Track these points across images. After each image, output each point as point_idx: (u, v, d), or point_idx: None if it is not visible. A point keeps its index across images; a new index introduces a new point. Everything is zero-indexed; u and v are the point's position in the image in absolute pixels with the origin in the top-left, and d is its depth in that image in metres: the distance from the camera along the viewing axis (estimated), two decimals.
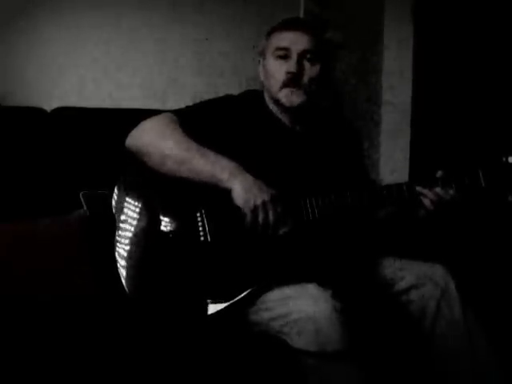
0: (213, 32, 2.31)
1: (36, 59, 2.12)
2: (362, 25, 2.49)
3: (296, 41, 1.61)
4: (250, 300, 1.49)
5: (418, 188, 1.56)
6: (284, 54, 1.61)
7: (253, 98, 1.70)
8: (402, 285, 1.63)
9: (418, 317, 1.61)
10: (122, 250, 1.52)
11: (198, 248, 1.52)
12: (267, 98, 1.70)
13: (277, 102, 1.65)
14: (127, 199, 1.55)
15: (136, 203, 1.54)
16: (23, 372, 1.37)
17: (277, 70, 1.62)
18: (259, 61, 1.71)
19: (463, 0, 2.58)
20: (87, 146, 1.94)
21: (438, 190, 1.55)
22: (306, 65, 1.62)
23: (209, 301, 1.48)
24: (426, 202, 1.55)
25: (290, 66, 1.60)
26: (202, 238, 1.52)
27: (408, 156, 2.55)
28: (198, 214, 1.53)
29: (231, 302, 1.47)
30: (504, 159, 1.57)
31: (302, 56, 1.61)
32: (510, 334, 2.00)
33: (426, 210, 1.56)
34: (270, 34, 1.67)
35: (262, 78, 1.69)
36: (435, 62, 2.58)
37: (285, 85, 1.62)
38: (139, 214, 1.53)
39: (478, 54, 2.59)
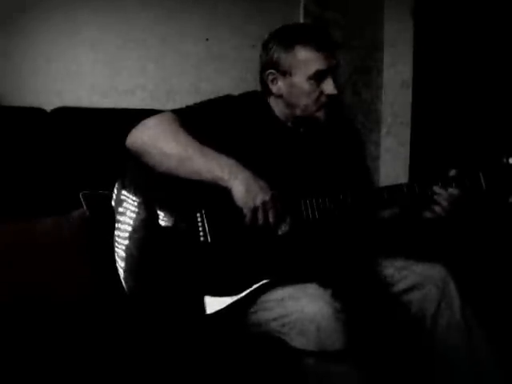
0: (213, 32, 2.31)
1: (36, 59, 2.12)
2: (362, 25, 2.49)
3: (332, 62, 1.60)
4: (250, 300, 1.49)
5: (435, 187, 1.56)
6: (321, 76, 1.60)
7: (254, 99, 1.70)
8: (402, 285, 1.63)
9: (418, 317, 1.61)
10: (120, 245, 1.52)
11: (198, 248, 1.52)
12: (277, 105, 1.67)
13: (303, 117, 1.64)
14: (126, 193, 1.56)
15: (134, 197, 1.55)
16: (22, 372, 1.37)
17: (313, 92, 1.60)
18: (271, 73, 1.63)
19: (463, 0, 2.58)
20: (87, 146, 1.94)
21: (452, 189, 1.56)
22: (335, 82, 1.61)
23: (209, 300, 1.48)
24: (442, 201, 1.55)
25: (331, 88, 1.59)
26: (202, 239, 1.52)
27: (408, 156, 2.55)
28: (198, 214, 1.53)
29: (231, 302, 1.47)
30: (504, 160, 1.57)
31: (334, 75, 1.61)
32: (510, 334, 2.00)
33: (442, 209, 1.56)
34: (291, 47, 1.60)
35: (286, 95, 1.63)
36: (435, 63, 2.58)
37: (325, 105, 1.62)
38: (137, 207, 1.54)
39: (478, 54, 2.59)
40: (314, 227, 1.55)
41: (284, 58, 1.61)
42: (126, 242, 1.53)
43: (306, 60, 1.59)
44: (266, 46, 1.66)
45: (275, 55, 1.62)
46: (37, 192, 1.86)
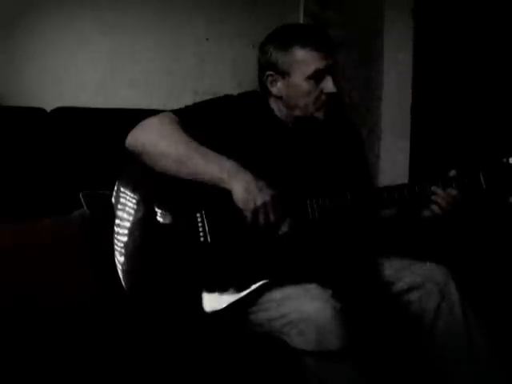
0: (213, 32, 2.31)
1: (36, 59, 2.12)
2: (361, 24, 2.49)
3: (330, 60, 1.59)
4: (250, 300, 1.49)
5: (434, 188, 1.56)
6: (320, 75, 1.59)
7: (254, 99, 1.70)
8: (402, 285, 1.63)
9: (417, 317, 1.61)
10: (119, 242, 1.52)
11: (198, 248, 1.52)
12: (277, 106, 1.67)
13: (303, 117, 1.64)
14: (124, 190, 1.56)
15: (133, 194, 1.55)
16: (23, 373, 1.37)
17: (313, 91, 1.60)
18: (270, 75, 1.64)
19: (463, 0, 2.58)
20: (87, 146, 1.95)
21: (452, 189, 1.55)
22: (335, 80, 1.61)
23: (209, 300, 1.48)
24: (442, 201, 1.55)
25: (330, 86, 1.59)
26: (202, 239, 1.52)
27: (408, 156, 2.55)
28: (198, 215, 1.53)
29: (231, 302, 1.47)
30: (505, 160, 1.57)
31: (333, 74, 1.61)
32: (510, 334, 2.00)
33: (440, 209, 1.56)
34: (289, 48, 1.60)
35: (285, 95, 1.63)
36: (435, 63, 2.58)
37: (325, 104, 1.61)
38: (136, 204, 1.54)
39: (479, 54, 2.59)
40: (313, 227, 1.55)
41: (282, 59, 1.61)
42: (125, 238, 1.53)
43: (304, 60, 1.59)
44: (263, 48, 1.66)
45: (273, 56, 1.62)
46: (37, 192, 1.86)
